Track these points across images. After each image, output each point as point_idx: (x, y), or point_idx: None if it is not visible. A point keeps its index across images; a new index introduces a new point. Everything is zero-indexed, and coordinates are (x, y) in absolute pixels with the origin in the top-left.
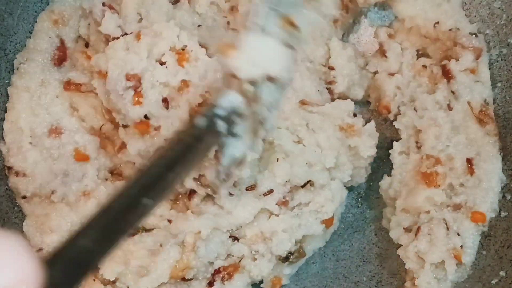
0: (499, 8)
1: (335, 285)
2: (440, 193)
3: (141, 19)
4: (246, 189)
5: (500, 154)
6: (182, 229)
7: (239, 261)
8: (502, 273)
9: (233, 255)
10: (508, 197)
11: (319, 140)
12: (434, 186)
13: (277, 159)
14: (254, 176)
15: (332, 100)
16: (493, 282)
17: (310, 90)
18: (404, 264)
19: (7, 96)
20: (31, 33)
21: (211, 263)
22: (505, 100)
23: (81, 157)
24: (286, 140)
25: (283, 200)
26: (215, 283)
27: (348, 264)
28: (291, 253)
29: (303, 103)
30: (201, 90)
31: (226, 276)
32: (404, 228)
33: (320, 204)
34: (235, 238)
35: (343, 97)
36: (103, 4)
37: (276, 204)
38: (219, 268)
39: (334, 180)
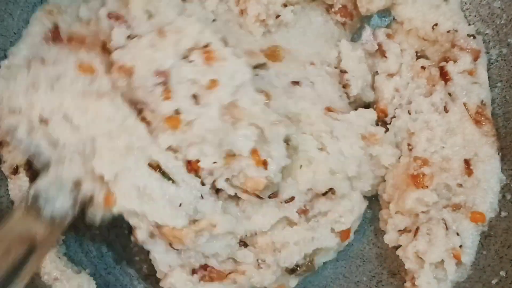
0: (499, 8)
1: (335, 285)
2: (429, 193)
3: (150, 16)
4: (269, 197)
5: (498, 154)
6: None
7: (230, 273)
8: (502, 273)
9: (233, 259)
10: (508, 197)
11: (342, 148)
12: (422, 187)
13: (300, 166)
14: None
15: (349, 104)
16: (493, 282)
17: (333, 95)
18: (404, 264)
19: None
20: None
21: (206, 257)
22: (505, 100)
23: None
24: (311, 146)
25: (303, 208)
26: (196, 274)
27: (348, 264)
28: (298, 266)
29: (328, 109)
30: (231, 90)
31: (207, 277)
32: (400, 230)
33: (339, 214)
34: (243, 244)
35: (358, 100)
36: (109, 17)
37: (296, 212)
38: (206, 265)
39: (355, 191)
